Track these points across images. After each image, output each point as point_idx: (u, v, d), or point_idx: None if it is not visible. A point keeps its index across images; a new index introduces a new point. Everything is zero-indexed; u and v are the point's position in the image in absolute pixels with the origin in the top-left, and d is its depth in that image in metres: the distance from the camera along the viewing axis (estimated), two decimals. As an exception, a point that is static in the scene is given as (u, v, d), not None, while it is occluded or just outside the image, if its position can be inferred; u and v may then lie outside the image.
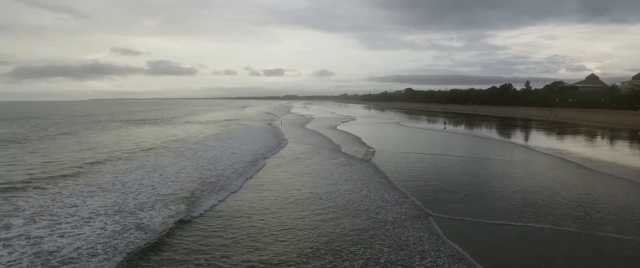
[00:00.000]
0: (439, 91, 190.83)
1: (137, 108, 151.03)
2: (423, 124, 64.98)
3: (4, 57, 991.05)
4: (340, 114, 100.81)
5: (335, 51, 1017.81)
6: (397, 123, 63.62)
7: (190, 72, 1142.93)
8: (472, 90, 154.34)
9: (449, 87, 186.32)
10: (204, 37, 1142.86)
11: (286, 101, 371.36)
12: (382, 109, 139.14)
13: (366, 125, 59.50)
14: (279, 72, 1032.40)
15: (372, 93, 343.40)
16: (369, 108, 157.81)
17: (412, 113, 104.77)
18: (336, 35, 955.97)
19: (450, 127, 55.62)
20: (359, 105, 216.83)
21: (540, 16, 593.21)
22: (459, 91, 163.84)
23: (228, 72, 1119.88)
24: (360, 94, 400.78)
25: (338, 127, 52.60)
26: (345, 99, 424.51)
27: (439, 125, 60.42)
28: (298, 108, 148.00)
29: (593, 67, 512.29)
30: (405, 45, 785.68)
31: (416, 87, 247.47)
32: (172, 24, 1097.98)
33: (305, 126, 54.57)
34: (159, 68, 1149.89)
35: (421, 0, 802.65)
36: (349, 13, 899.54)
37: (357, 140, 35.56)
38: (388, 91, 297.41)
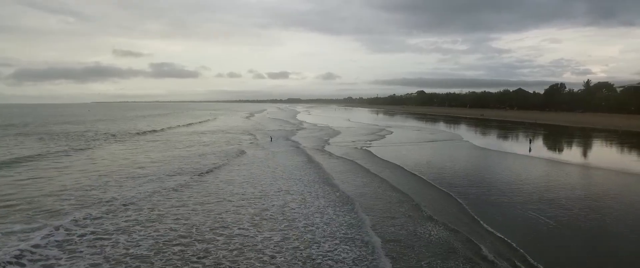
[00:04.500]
0: (455, 94, 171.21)
1: (131, 113, 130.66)
2: (493, 141, 45.43)
3: (5, 59, 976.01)
4: (358, 121, 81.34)
5: (339, 54, 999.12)
6: (461, 139, 43.74)
7: (193, 74, 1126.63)
8: (506, 92, 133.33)
9: (456, 90, 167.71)
10: (207, 40, 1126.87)
11: (289, 104, 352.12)
12: (392, 114, 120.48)
13: (416, 145, 39.76)
14: (283, 75, 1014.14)
15: (379, 96, 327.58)
16: (377, 112, 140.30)
17: (438, 120, 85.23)
18: (340, 38, 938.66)
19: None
20: (365, 109, 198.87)
21: (545, 19, 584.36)
22: (488, 94, 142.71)
23: (232, 75, 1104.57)
24: (365, 97, 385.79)
25: (378, 150, 33.18)
26: (350, 102, 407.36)
27: (516, 143, 41.61)
28: (306, 114, 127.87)
29: (598, 71, 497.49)
30: (410, 49, 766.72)
31: (423, 90, 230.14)
32: (175, 26, 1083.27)
33: (328, 148, 35.00)
34: (162, 70, 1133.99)
35: (425, 3, 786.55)
36: (353, 16, 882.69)
37: (452, 203, 16.21)
38: (396, 94, 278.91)
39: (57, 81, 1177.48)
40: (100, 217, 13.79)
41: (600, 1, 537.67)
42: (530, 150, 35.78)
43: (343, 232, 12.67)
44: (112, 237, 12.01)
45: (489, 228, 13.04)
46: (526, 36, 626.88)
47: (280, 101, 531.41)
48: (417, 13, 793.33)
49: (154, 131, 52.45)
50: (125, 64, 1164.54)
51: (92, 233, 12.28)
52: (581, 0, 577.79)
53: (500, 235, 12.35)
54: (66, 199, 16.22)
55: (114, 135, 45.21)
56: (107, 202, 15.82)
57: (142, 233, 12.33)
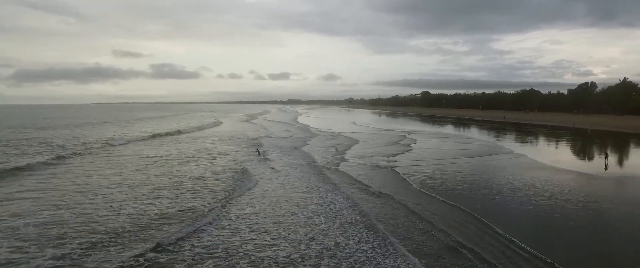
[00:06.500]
0: (464, 95, 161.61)
1: (126, 114, 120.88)
2: (551, 154, 36.46)
3: (5, 59, 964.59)
4: (367, 125, 72.46)
5: (340, 55, 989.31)
6: (510, 152, 34.33)
7: (194, 75, 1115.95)
8: (523, 92, 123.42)
9: (462, 91, 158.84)
10: (207, 41, 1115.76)
11: (290, 105, 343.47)
12: (395, 115, 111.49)
13: (457, 162, 30.65)
14: (284, 76, 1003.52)
15: (381, 97, 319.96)
16: (379, 114, 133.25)
17: (456, 124, 76.15)
18: (341, 39, 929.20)
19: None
20: (368, 110, 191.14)
21: (546, 20, 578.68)
22: (502, 95, 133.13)
23: (232, 76, 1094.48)
24: (366, 98, 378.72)
25: (411, 172, 24.20)
26: (352, 103, 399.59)
27: (582, 157, 33.06)
28: (309, 117, 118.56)
29: (599, 72, 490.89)
30: (411, 50, 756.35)
31: (427, 91, 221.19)
32: (175, 27, 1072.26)
33: (345, 167, 25.85)
34: (163, 71, 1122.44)
35: (425, 4, 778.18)
36: (353, 17, 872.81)
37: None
38: (398, 95, 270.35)
39: (58, 82, 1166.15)
40: None
41: (600, 2, 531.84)
42: (606, 168, 26.90)
43: None
44: None
45: None
46: (527, 37, 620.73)
47: (281, 102, 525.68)
48: (418, 14, 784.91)
49: (135, 140, 42.67)
50: (125, 65, 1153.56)
51: None
52: (581, 1, 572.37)
53: None
54: None
55: (70, 147, 35.49)
56: None
57: None
